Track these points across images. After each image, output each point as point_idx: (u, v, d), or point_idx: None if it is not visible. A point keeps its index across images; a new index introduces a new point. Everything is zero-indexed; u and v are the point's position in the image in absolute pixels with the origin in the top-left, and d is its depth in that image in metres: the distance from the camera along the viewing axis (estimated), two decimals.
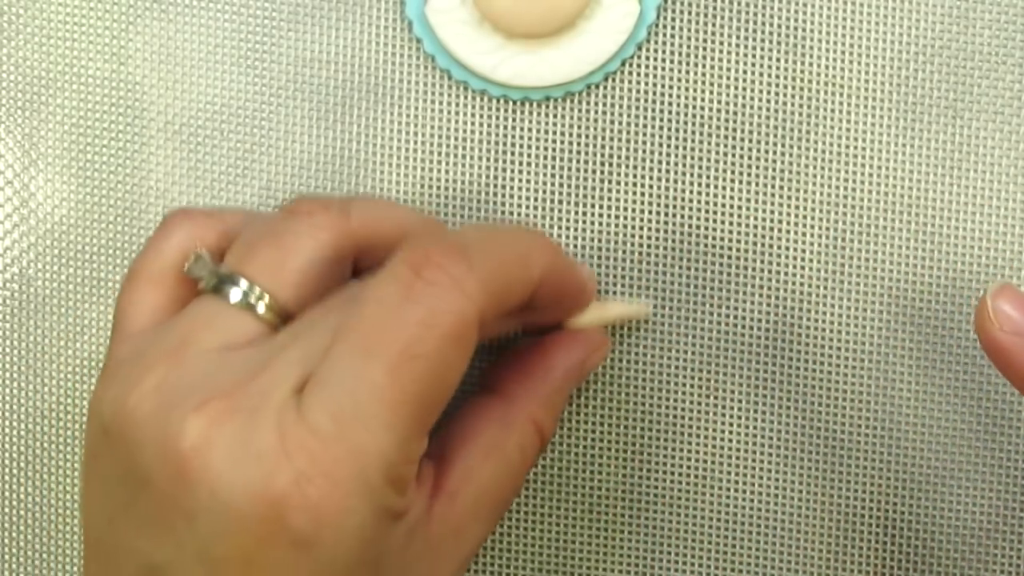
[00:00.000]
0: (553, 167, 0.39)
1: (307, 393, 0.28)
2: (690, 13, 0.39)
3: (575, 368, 0.36)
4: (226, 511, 0.27)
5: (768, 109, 0.39)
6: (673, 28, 0.39)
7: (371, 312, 0.28)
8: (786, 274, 0.39)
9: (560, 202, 0.39)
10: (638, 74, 0.39)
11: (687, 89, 0.39)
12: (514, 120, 0.39)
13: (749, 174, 0.39)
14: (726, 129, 0.39)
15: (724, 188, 0.39)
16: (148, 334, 0.31)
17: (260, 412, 0.28)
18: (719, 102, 0.39)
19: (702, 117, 0.39)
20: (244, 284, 0.30)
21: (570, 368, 0.35)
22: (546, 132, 0.39)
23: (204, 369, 0.29)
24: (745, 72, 0.39)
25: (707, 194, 0.39)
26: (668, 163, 0.39)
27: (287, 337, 0.29)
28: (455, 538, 0.31)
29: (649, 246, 0.39)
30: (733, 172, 0.39)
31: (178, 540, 0.28)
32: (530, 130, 0.39)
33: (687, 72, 0.39)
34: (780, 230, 0.39)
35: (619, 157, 0.39)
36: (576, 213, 0.39)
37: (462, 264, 0.29)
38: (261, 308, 0.30)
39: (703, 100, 0.39)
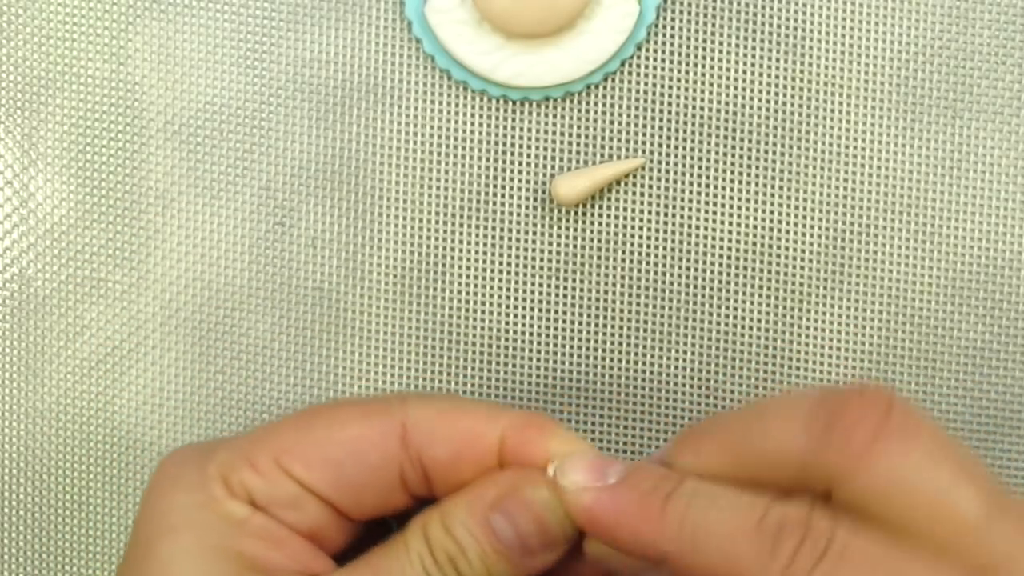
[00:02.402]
0: (553, 167, 0.39)
1: None
2: (690, 13, 0.39)
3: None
4: None
5: (768, 109, 0.39)
6: (672, 28, 0.39)
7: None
8: (786, 274, 0.39)
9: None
10: (638, 74, 0.39)
11: (687, 89, 0.39)
12: (514, 120, 0.39)
13: (749, 174, 0.39)
14: (726, 129, 0.39)
15: (724, 188, 0.39)
16: None
17: None
18: (719, 102, 0.39)
19: (702, 117, 0.39)
20: None
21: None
22: (546, 132, 0.39)
23: None
24: (745, 72, 0.39)
25: (707, 194, 0.39)
26: (668, 163, 0.39)
27: None
28: None
29: (649, 246, 0.39)
30: (733, 172, 0.39)
31: None
32: (530, 130, 0.39)
33: (687, 72, 0.39)
34: (780, 230, 0.39)
35: (619, 157, 0.39)
36: (576, 213, 0.39)
37: None
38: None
39: (703, 100, 0.39)
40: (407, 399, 0.32)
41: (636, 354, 0.39)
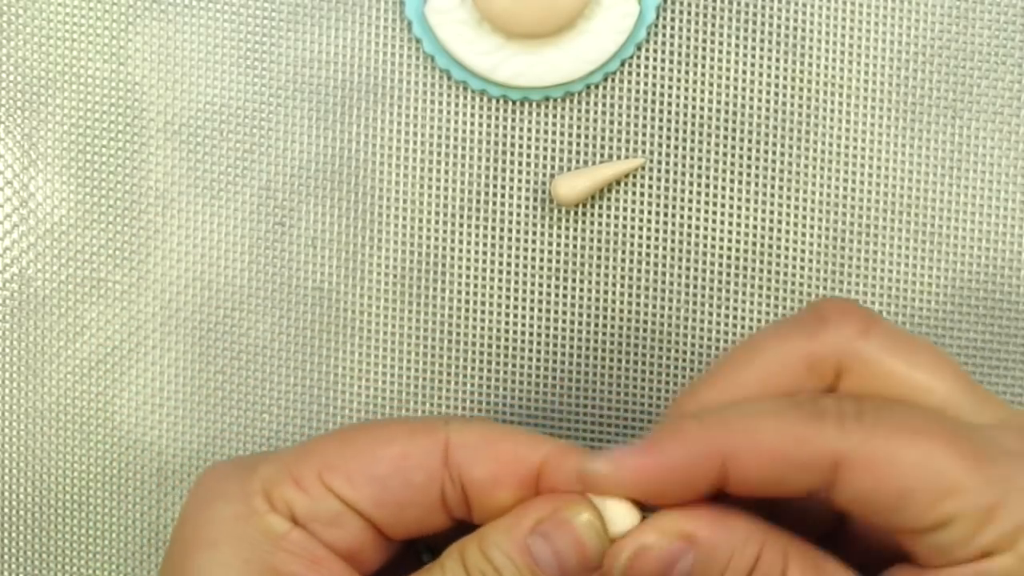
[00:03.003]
0: (553, 167, 0.39)
1: None
2: (690, 13, 0.39)
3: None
4: None
5: (768, 109, 0.39)
6: (673, 28, 0.39)
7: None
8: (786, 274, 0.39)
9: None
10: (638, 74, 0.39)
11: (687, 89, 0.39)
12: (514, 120, 0.39)
13: (749, 174, 0.39)
14: (726, 129, 0.39)
15: (724, 188, 0.39)
16: None
17: None
18: (719, 102, 0.39)
19: (702, 117, 0.39)
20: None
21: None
22: (546, 132, 0.39)
23: None
24: (745, 72, 0.39)
25: (707, 194, 0.39)
26: (668, 163, 0.39)
27: None
28: None
29: (649, 246, 0.39)
30: (733, 172, 0.39)
31: None
32: (530, 130, 0.39)
33: (687, 72, 0.39)
34: (780, 230, 0.39)
35: (619, 157, 0.39)
36: (575, 213, 0.39)
37: None
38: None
39: (703, 100, 0.39)
40: (450, 419, 0.31)
41: (636, 354, 0.39)
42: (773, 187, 0.39)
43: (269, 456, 0.32)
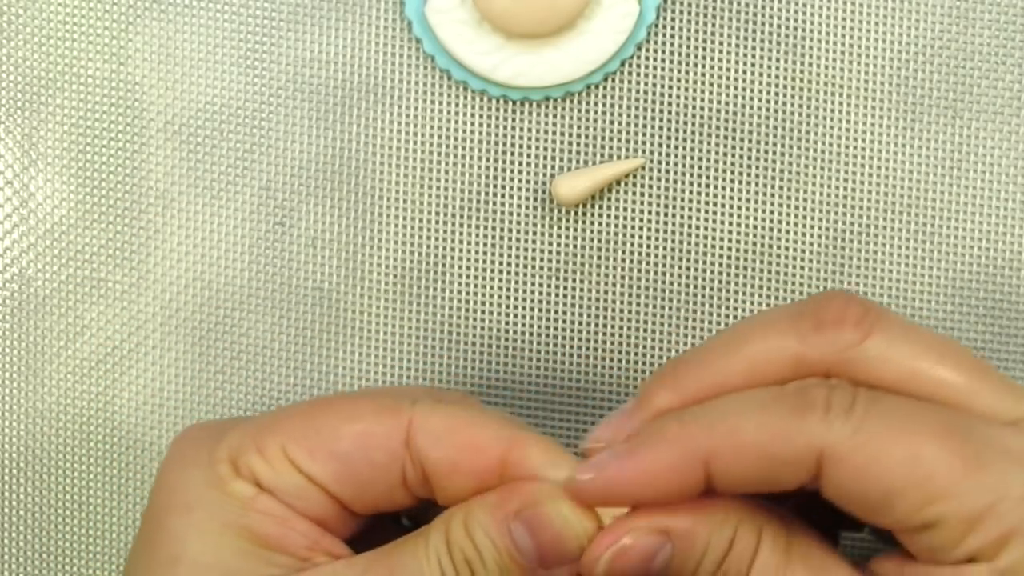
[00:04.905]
0: (553, 167, 0.39)
1: None
2: (690, 13, 0.39)
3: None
4: None
5: (768, 109, 0.39)
6: (673, 28, 0.39)
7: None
8: (786, 274, 0.39)
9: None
10: (638, 74, 0.39)
11: (687, 89, 0.39)
12: (514, 120, 0.39)
13: (749, 174, 0.39)
14: (726, 129, 0.39)
15: (724, 188, 0.39)
16: None
17: None
18: (719, 102, 0.39)
19: (702, 117, 0.39)
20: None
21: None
22: (546, 132, 0.39)
23: None
24: (745, 72, 0.39)
25: (707, 194, 0.39)
26: (668, 163, 0.39)
27: None
28: None
29: (649, 246, 0.39)
30: (733, 172, 0.39)
31: None
32: (530, 130, 0.39)
33: (687, 72, 0.39)
34: (780, 230, 0.39)
35: (619, 157, 0.39)
36: (576, 213, 0.39)
37: None
38: None
39: (703, 100, 0.39)
40: (419, 399, 0.31)
41: (636, 354, 0.39)
42: (773, 187, 0.39)
43: (238, 422, 0.32)
